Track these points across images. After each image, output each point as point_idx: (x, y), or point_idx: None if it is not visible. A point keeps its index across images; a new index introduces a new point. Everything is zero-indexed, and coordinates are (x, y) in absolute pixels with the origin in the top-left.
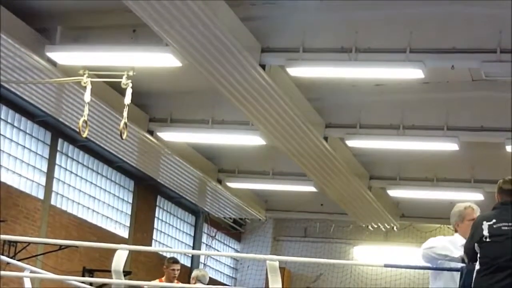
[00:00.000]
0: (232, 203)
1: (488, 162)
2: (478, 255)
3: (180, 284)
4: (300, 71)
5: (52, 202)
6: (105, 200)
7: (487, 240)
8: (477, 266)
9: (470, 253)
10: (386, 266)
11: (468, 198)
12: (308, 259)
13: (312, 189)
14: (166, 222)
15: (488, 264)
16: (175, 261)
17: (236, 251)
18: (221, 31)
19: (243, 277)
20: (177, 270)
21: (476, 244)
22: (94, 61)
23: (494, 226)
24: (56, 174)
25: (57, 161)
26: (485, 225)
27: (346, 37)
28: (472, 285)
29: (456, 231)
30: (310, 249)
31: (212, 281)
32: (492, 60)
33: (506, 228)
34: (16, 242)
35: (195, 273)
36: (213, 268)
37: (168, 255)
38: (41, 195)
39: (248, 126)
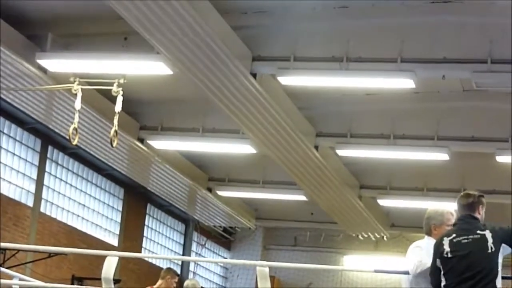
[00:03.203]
0: (222, 212)
1: (479, 172)
2: (442, 272)
3: None
4: (291, 80)
5: (42, 210)
6: (95, 207)
7: (449, 255)
8: (443, 282)
9: (436, 273)
10: (376, 271)
11: None
12: (298, 265)
13: (302, 198)
14: (155, 230)
15: (453, 279)
16: (178, 274)
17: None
18: (212, 40)
19: (232, 286)
20: (176, 283)
21: (438, 260)
22: (85, 69)
23: (454, 240)
24: (45, 182)
25: (47, 169)
26: (446, 240)
27: (337, 46)
28: None
29: (429, 234)
30: (300, 258)
31: None
32: (483, 70)
33: (466, 241)
34: (5, 249)
35: (186, 283)
36: (202, 277)
37: (158, 261)
38: (30, 203)
39: (238, 135)
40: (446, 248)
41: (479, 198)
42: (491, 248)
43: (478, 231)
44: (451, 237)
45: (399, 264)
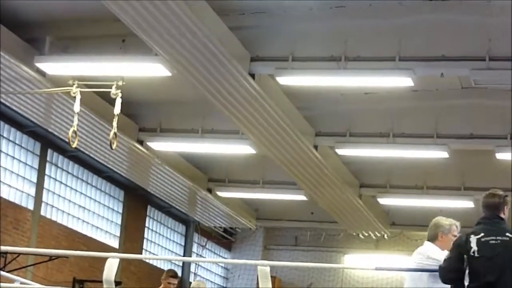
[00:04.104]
0: (222, 212)
1: (478, 170)
2: (467, 271)
3: None
4: (289, 80)
5: (42, 213)
6: (95, 210)
7: (476, 255)
8: (466, 282)
9: (457, 269)
10: (377, 269)
11: (459, 206)
12: (299, 264)
13: (302, 197)
14: (156, 232)
15: (478, 280)
16: (172, 275)
17: None
18: (210, 41)
19: (233, 287)
20: (174, 284)
21: (465, 257)
22: (84, 71)
23: (482, 239)
24: (45, 185)
25: (47, 172)
26: (473, 239)
27: (335, 45)
28: None
29: (433, 240)
30: (301, 258)
31: None
32: (481, 68)
33: (494, 242)
34: (6, 253)
35: (192, 284)
36: (203, 278)
37: (159, 263)
38: (30, 206)
39: (238, 135)
40: (474, 246)
41: (504, 198)
42: None
43: (508, 234)
44: (479, 236)
45: (400, 263)
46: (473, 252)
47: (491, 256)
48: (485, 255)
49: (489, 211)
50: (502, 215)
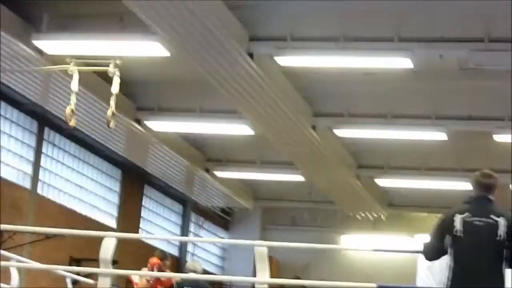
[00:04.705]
0: (220, 192)
1: (477, 151)
2: (450, 250)
3: (165, 273)
4: (288, 60)
5: (39, 191)
6: (92, 189)
7: (459, 234)
8: (450, 262)
9: (440, 247)
10: (375, 250)
11: (457, 188)
12: (297, 244)
13: (300, 178)
14: (153, 211)
15: (461, 262)
16: (162, 258)
17: None
18: (208, 20)
19: (231, 267)
20: (165, 264)
21: (448, 236)
22: (81, 50)
23: (467, 219)
24: (43, 163)
25: (44, 150)
26: (458, 217)
27: (334, 26)
28: (447, 282)
29: None
30: (298, 238)
31: None
32: (480, 49)
33: (478, 223)
34: (2, 231)
35: (187, 264)
36: (200, 257)
37: (156, 242)
38: (27, 185)
39: (236, 115)
40: (457, 226)
41: (497, 180)
42: (500, 235)
43: (492, 216)
44: (464, 215)
45: (398, 244)
46: (456, 232)
47: (475, 237)
48: (468, 236)
49: (482, 191)
50: (491, 197)
